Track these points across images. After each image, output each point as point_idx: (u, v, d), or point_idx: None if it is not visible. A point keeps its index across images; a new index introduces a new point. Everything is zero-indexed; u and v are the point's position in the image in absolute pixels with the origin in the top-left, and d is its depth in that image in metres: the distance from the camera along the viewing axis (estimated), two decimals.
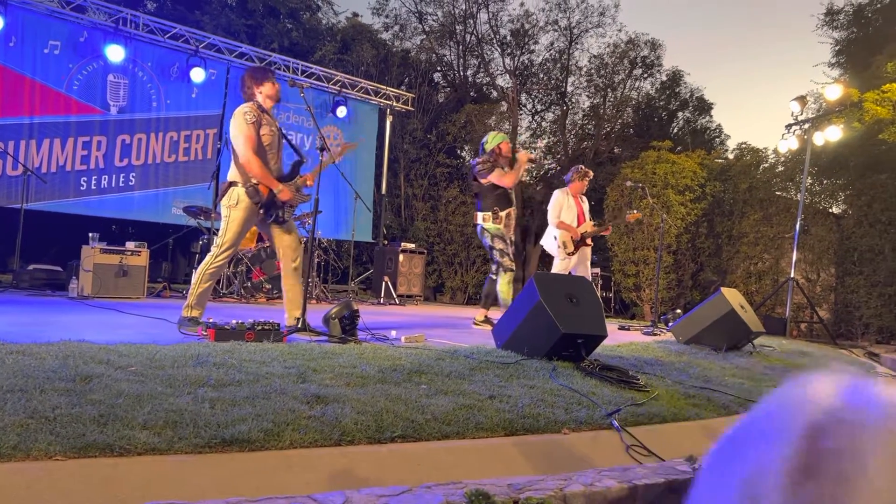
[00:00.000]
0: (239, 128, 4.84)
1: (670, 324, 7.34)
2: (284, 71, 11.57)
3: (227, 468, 2.18)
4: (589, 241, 7.95)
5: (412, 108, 14.32)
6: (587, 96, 18.86)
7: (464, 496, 1.95)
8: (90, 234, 7.95)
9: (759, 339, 6.48)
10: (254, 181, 4.87)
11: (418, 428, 2.67)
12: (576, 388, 3.57)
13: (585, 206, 8.11)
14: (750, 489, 0.52)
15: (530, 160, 7.16)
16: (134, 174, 10.03)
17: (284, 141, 5.21)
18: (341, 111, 12.38)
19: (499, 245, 6.90)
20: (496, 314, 5.98)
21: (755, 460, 0.53)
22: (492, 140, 7.10)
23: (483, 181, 6.92)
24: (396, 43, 18.32)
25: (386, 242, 13.10)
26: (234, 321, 4.35)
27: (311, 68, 12.15)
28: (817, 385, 0.57)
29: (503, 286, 6.91)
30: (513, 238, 7.05)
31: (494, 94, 18.70)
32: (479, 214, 6.95)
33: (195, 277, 4.95)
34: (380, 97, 13.26)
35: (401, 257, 11.64)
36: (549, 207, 7.87)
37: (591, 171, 8.26)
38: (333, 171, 7.71)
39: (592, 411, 3.21)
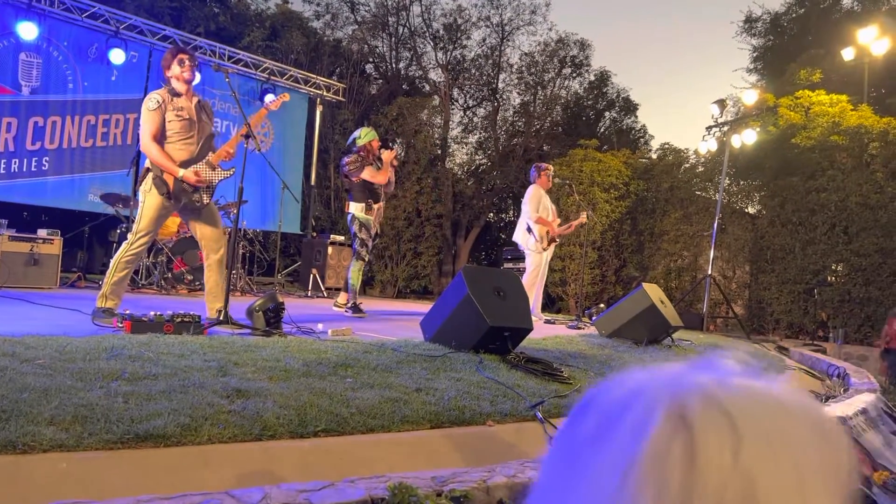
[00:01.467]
0: (142, 114, 4.78)
1: (594, 318, 7.51)
2: (210, 56, 11.23)
3: (140, 465, 2.10)
4: (557, 238, 8.11)
5: (343, 99, 14.15)
6: (518, 93, 19.09)
7: (386, 489, 1.93)
8: None
9: (678, 333, 6.70)
10: (160, 171, 4.74)
11: (342, 422, 2.64)
12: (501, 380, 3.60)
13: (551, 204, 8.26)
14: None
15: (394, 159, 7.41)
16: (47, 158, 9.53)
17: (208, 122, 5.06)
18: (269, 99, 12.10)
19: (363, 234, 7.17)
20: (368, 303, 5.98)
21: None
22: (364, 136, 7.24)
23: (354, 179, 7.14)
24: (328, 32, 18.07)
25: (315, 234, 12.92)
26: (152, 313, 4.19)
27: (239, 54, 11.84)
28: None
29: (354, 272, 7.23)
30: (379, 231, 7.48)
31: (427, 87, 18.69)
32: (352, 204, 7.22)
33: (111, 266, 4.76)
34: (310, 86, 13.04)
35: (329, 250, 11.50)
36: (527, 201, 7.97)
37: (546, 165, 8.39)
38: (260, 160, 7.55)
39: (517, 403, 3.24)
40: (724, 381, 0.50)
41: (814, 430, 0.49)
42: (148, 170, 4.79)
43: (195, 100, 4.97)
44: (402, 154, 16.13)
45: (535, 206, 7.88)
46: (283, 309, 4.74)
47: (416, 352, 4.07)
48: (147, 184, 4.77)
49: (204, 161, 4.87)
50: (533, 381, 3.76)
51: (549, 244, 7.98)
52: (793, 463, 0.46)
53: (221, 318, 4.60)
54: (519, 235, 8.12)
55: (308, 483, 1.98)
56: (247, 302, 4.96)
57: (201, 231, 4.98)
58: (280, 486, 1.92)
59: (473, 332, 4.24)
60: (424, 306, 6.80)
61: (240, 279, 9.32)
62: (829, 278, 11.22)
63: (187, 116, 4.84)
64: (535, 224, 7.87)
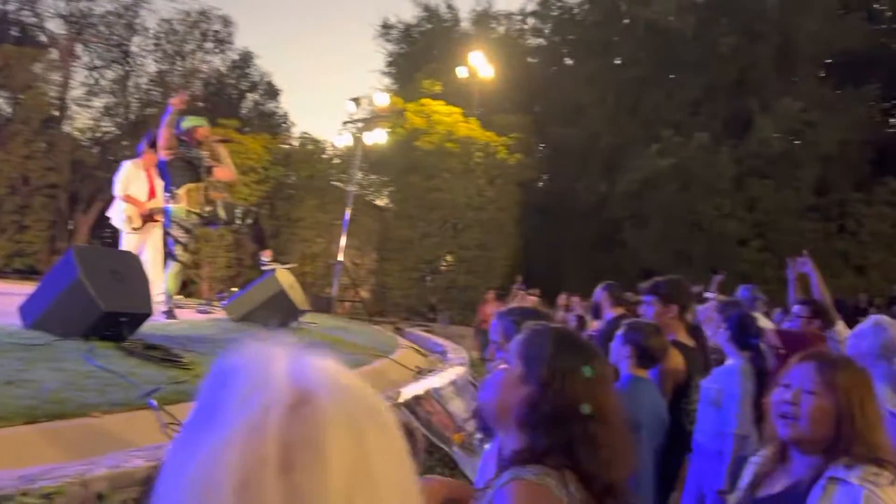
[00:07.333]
0: None
1: (224, 302, 7.44)
2: None
3: None
4: (158, 217, 7.50)
5: None
6: (154, 60, 17.85)
7: None
8: None
9: (306, 317, 6.99)
10: None
11: None
12: (114, 369, 3.40)
13: (160, 182, 7.61)
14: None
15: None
16: None
17: None
18: None
19: (174, 231, 6.14)
20: None
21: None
22: (189, 121, 6.33)
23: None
24: None
25: None
26: None
27: None
28: (272, 359, 0.58)
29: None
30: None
31: (44, 38, 16.34)
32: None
33: None
34: None
35: None
36: (116, 179, 7.27)
37: None
38: None
39: (130, 392, 3.10)
40: (327, 368, 0.58)
41: (389, 410, 0.60)
42: None
43: None
44: (11, 112, 13.92)
45: (124, 184, 7.29)
46: None
47: (11, 340, 3.61)
48: None
49: None
50: (150, 368, 3.63)
51: (144, 223, 7.46)
52: (391, 440, 0.56)
53: None
54: (113, 213, 7.50)
55: None
56: None
57: None
58: None
59: (84, 318, 3.92)
60: (30, 288, 5.96)
61: None
62: (440, 267, 12.76)
63: None
64: (122, 202, 7.32)
